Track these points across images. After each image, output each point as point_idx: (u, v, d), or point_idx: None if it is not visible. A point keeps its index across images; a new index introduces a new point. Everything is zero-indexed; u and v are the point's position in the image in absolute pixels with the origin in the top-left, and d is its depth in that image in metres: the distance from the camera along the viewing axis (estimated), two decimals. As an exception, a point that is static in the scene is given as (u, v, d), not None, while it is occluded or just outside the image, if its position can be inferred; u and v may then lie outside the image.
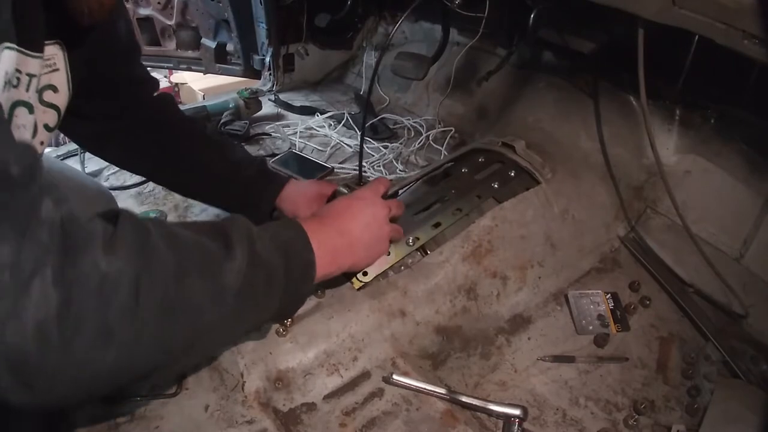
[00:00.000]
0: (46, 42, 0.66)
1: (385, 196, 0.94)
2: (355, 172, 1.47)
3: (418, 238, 1.00)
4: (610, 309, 1.05)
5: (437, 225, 1.03)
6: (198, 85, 3.08)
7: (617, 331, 1.02)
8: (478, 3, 1.32)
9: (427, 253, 1.00)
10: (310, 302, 0.91)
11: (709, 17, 0.82)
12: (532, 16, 1.28)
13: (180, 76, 3.15)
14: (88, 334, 0.46)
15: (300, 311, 0.89)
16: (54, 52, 0.69)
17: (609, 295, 1.08)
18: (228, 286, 0.59)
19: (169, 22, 2.01)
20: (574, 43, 1.32)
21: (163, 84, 3.21)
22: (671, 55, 1.13)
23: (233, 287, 0.59)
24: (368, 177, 0.98)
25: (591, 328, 1.02)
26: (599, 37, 1.28)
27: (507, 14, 1.34)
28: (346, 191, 0.99)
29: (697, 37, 1.07)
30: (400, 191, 1.17)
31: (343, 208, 0.85)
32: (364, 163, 1.49)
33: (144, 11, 2.03)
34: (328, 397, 0.84)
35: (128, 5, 2.03)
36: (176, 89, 3.20)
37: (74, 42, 0.72)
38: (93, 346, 0.47)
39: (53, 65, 0.70)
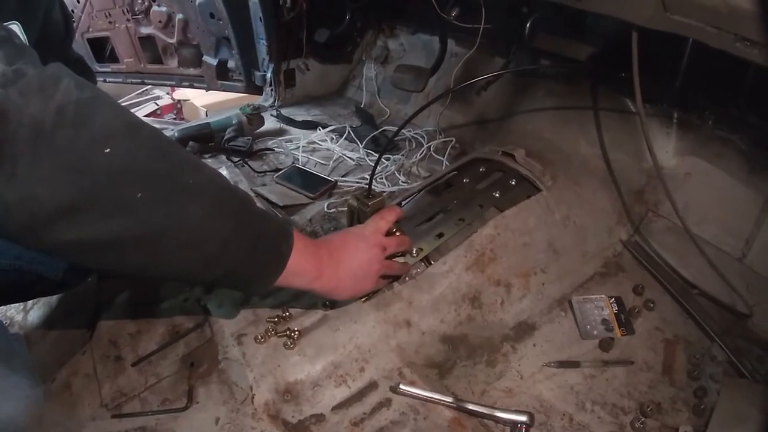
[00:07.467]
0: (7, 23, 0.72)
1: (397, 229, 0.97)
2: (358, 184, 1.48)
3: (421, 249, 1.01)
4: (615, 313, 1.06)
5: (440, 235, 1.04)
6: (200, 102, 3.11)
7: (622, 334, 1.03)
8: (474, 14, 1.34)
9: (431, 264, 1.01)
10: (317, 315, 0.92)
11: (700, 22, 0.84)
12: (527, 25, 1.29)
13: (182, 93, 3.18)
14: (96, 126, 0.56)
15: (307, 324, 0.91)
16: (15, 30, 0.74)
17: (613, 299, 1.08)
18: (209, 172, 0.67)
19: (170, 41, 2.04)
20: (570, 50, 1.33)
21: (166, 101, 3.24)
22: (667, 58, 1.14)
23: (212, 176, 0.68)
24: (373, 189, 0.99)
25: (596, 332, 1.03)
26: (595, 44, 1.30)
27: (503, 24, 1.35)
28: (355, 203, 1.00)
29: (691, 40, 1.08)
30: (403, 202, 1.18)
31: (339, 239, 0.88)
32: (365, 176, 1.51)
33: (145, 30, 2.06)
34: (337, 408, 0.85)
35: (129, 24, 2.07)
36: (179, 106, 3.23)
37: (27, 23, 0.76)
38: (96, 138, 0.56)
39: None
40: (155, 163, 0.60)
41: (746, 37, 0.79)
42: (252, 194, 1.41)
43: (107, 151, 0.56)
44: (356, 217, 1.00)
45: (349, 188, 1.48)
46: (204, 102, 3.09)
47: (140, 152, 0.59)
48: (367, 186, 1.02)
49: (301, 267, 0.77)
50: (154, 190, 0.60)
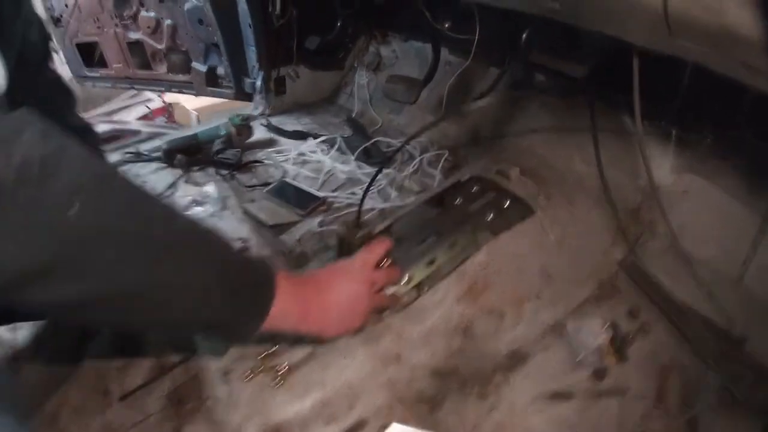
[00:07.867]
0: None
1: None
2: (348, 201, 1.45)
3: (412, 278, 0.99)
4: (609, 339, 1.04)
5: (432, 262, 1.02)
6: (191, 105, 3.08)
7: (616, 361, 1.01)
8: (468, 24, 1.31)
9: (422, 292, 0.99)
10: (305, 350, 0.90)
11: (705, 46, 0.81)
12: (523, 36, 1.26)
13: (173, 96, 3.15)
14: (62, 183, 0.53)
15: (295, 360, 0.89)
16: None
17: (608, 324, 1.06)
18: (183, 224, 0.66)
19: (159, 46, 2.00)
20: (567, 68, 1.30)
21: (157, 104, 3.21)
22: (667, 76, 1.11)
23: (187, 228, 0.66)
24: (363, 212, 0.97)
25: (590, 360, 1.01)
26: (593, 59, 1.27)
27: (498, 35, 1.33)
28: (343, 232, 0.98)
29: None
30: (394, 223, 1.16)
31: (326, 276, 0.85)
32: (356, 190, 1.48)
33: (134, 35, 2.03)
34: (326, 448, 0.83)
35: (118, 29, 2.03)
36: (170, 109, 3.20)
37: (2, 50, 0.74)
38: (62, 196, 0.53)
39: None
40: (125, 220, 0.58)
41: (752, 65, 0.77)
42: (241, 210, 1.39)
43: (74, 209, 0.53)
44: (345, 246, 0.98)
45: (339, 204, 1.45)
46: (195, 105, 3.06)
47: (109, 210, 0.57)
48: (358, 204, 0.99)
49: (285, 311, 0.75)
50: (125, 249, 0.57)
